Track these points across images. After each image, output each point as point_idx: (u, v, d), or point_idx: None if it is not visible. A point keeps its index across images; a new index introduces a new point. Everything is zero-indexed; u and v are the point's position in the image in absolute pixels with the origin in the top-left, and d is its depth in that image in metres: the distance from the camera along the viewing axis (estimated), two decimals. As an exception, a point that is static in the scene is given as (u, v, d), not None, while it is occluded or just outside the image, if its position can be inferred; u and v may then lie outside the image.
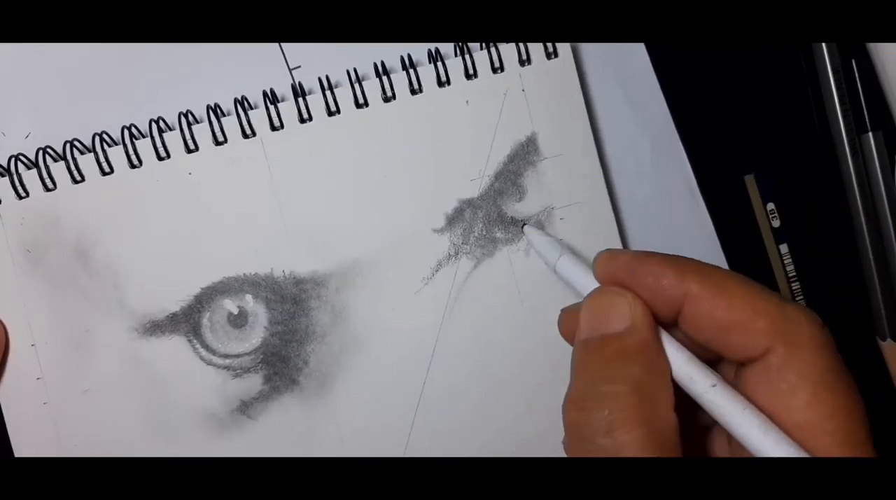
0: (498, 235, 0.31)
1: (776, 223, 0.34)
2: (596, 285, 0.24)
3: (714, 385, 0.21)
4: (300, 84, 0.30)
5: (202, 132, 0.30)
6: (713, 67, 0.34)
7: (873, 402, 0.21)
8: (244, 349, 0.30)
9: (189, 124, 0.29)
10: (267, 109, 0.30)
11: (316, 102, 0.30)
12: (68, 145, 0.29)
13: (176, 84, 0.31)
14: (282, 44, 0.32)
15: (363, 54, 0.31)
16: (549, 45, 0.31)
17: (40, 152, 0.29)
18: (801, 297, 0.34)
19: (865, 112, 0.34)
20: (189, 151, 0.30)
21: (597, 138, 0.32)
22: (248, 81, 0.31)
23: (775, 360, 0.20)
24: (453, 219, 0.30)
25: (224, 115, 0.30)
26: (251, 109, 0.30)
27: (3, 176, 0.29)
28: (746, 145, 0.34)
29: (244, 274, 0.30)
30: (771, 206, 0.34)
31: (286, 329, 0.30)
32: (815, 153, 0.34)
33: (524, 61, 0.31)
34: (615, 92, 0.33)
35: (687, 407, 0.21)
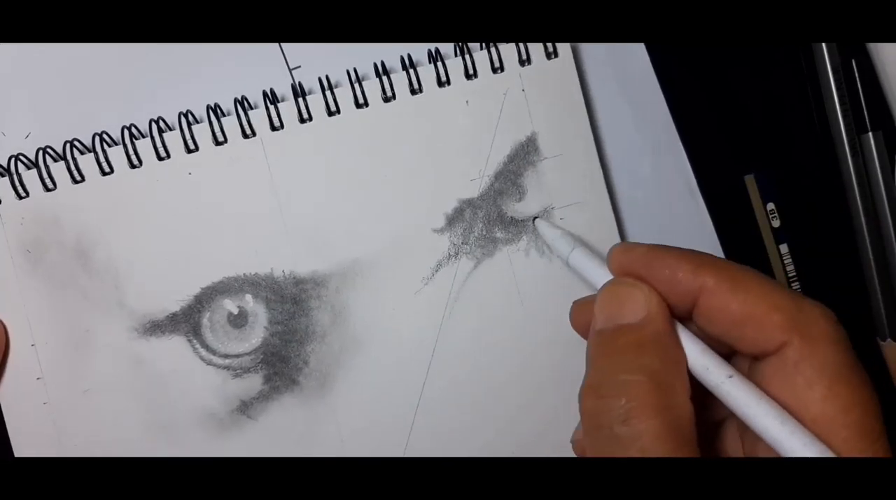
0: (498, 235, 0.31)
1: (776, 223, 0.34)
2: (610, 277, 0.24)
3: (731, 376, 0.21)
4: (300, 84, 0.30)
5: (202, 132, 0.30)
6: (713, 67, 0.34)
7: (873, 402, 0.21)
8: (244, 349, 0.30)
9: (189, 124, 0.29)
10: (267, 109, 0.30)
11: (316, 102, 0.30)
12: (68, 145, 0.29)
13: (176, 84, 0.31)
14: (282, 44, 0.32)
15: (363, 54, 0.31)
16: (549, 45, 0.31)
17: (40, 152, 0.29)
18: (801, 297, 0.34)
19: (865, 112, 0.34)
20: (189, 151, 0.30)
21: (597, 138, 0.32)
22: (248, 81, 0.31)
23: (792, 354, 0.20)
24: (453, 219, 0.30)
25: (224, 115, 0.30)
26: (251, 108, 0.30)
27: (3, 176, 0.29)
28: (746, 145, 0.34)
29: (244, 274, 0.30)
30: (771, 206, 0.34)
31: (286, 329, 0.30)
32: (815, 153, 0.34)
33: (524, 61, 0.31)
34: (615, 92, 0.33)
35: (698, 403, 0.22)
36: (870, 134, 0.33)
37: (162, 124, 0.30)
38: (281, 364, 0.30)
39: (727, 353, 0.23)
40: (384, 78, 0.30)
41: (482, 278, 0.30)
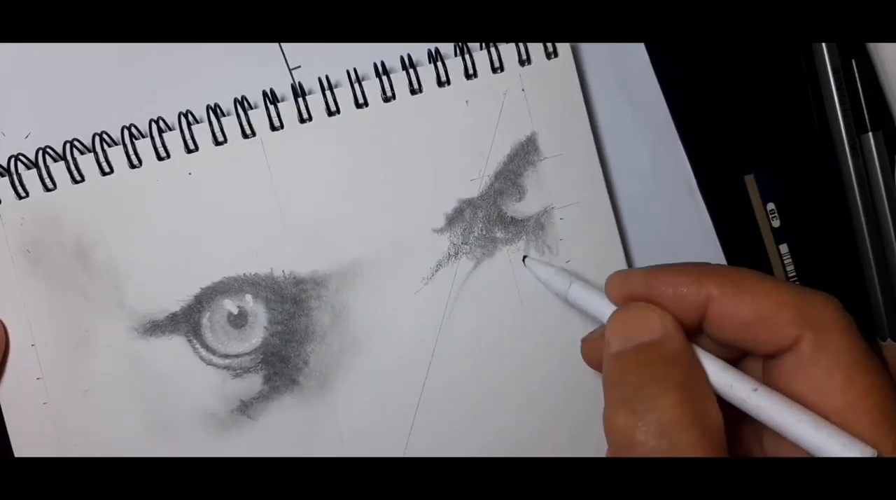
0: (498, 235, 0.31)
1: (776, 223, 0.34)
2: (613, 308, 0.24)
3: (755, 389, 0.21)
4: (300, 84, 0.30)
5: (202, 132, 0.30)
6: (713, 67, 0.34)
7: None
8: (244, 349, 0.30)
9: (189, 124, 0.29)
10: (267, 109, 0.30)
11: (316, 102, 0.30)
12: (68, 145, 0.29)
13: (176, 84, 0.31)
14: (282, 44, 0.32)
15: (363, 54, 0.31)
16: (549, 45, 0.31)
17: (40, 152, 0.29)
18: (801, 297, 0.34)
19: (865, 112, 0.34)
20: (189, 151, 0.30)
21: (597, 138, 0.32)
22: (248, 81, 0.31)
23: (806, 347, 0.20)
24: (453, 219, 0.30)
25: (224, 115, 0.30)
26: (251, 108, 0.30)
27: (3, 176, 0.29)
28: (746, 145, 0.34)
29: (244, 274, 0.30)
30: (771, 206, 0.34)
31: (286, 329, 0.30)
32: (815, 153, 0.34)
33: (524, 61, 0.31)
34: (615, 92, 0.33)
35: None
36: (870, 134, 0.33)
37: (162, 124, 0.30)
38: (281, 364, 0.30)
39: (737, 357, 0.23)
40: (384, 78, 0.30)
41: (482, 278, 0.30)
